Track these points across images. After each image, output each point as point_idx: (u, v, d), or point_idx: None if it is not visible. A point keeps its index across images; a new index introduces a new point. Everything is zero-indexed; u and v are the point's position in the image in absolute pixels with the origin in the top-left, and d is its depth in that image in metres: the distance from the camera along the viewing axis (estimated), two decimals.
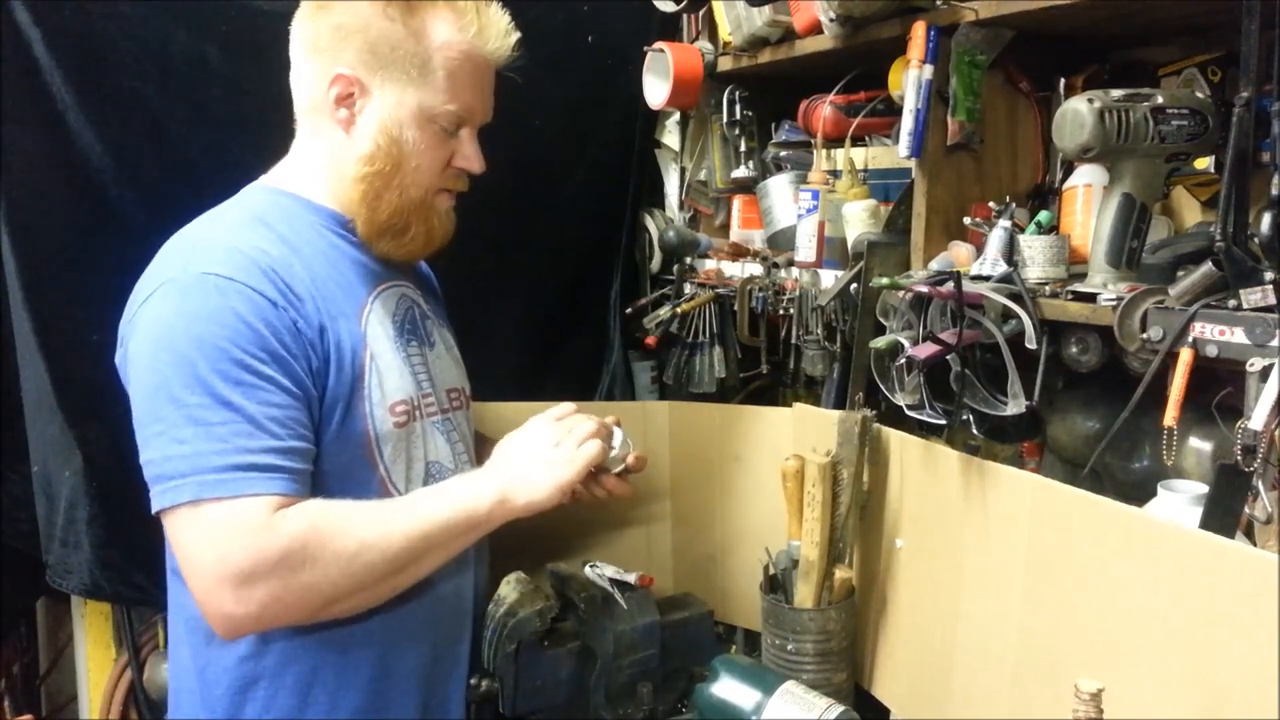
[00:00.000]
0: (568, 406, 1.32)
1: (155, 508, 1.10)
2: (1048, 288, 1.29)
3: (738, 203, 1.95)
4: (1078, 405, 1.41)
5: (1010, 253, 1.33)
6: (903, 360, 1.32)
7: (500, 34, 1.26)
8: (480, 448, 1.52)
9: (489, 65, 1.27)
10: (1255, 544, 1.05)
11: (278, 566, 1.07)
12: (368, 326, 1.23)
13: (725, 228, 2.01)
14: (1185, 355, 1.09)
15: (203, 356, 1.08)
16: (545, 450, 1.24)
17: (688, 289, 1.95)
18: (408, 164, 1.23)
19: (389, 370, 1.24)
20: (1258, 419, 1.01)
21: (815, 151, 1.73)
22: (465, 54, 1.23)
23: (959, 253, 1.41)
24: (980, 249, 1.38)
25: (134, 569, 1.66)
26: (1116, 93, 1.19)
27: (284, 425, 1.11)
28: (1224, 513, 1.04)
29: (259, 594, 1.07)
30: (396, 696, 1.27)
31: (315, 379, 1.16)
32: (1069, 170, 1.46)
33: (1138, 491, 1.24)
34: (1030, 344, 1.22)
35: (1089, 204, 1.37)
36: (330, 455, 1.18)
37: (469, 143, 1.29)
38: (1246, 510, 1.04)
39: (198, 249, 1.17)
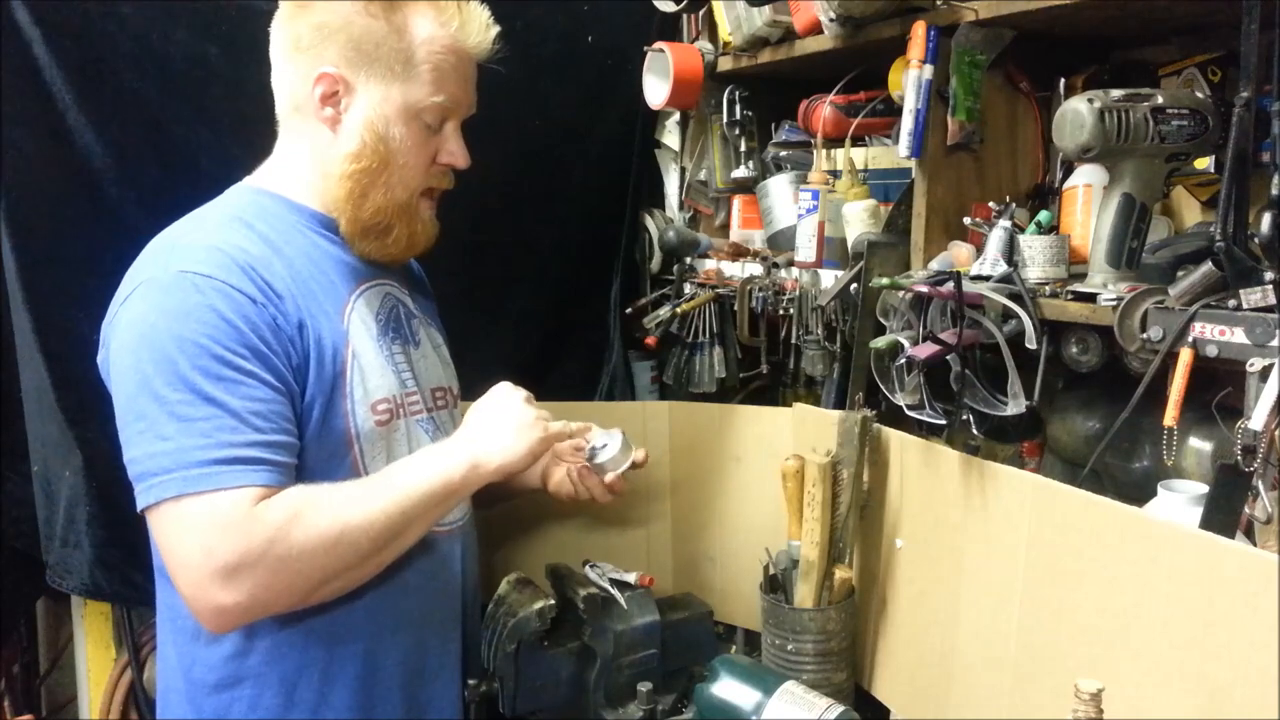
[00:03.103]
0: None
1: (140, 505, 1.10)
2: (1048, 288, 1.29)
3: (738, 203, 1.95)
4: (1078, 405, 1.41)
5: (1010, 253, 1.33)
6: (903, 360, 1.32)
7: (481, 28, 1.27)
8: None
9: (471, 59, 1.28)
10: (1255, 544, 1.05)
11: (263, 555, 1.07)
12: (350, 324, 1.24)
13: (725, 228, 2.01)
14: (1185, 355, 1.09)
15: (183, 354, 1.09)
16: (514, 414, 1.25)
17: (688, 289, 1.95)
18: (395, 161, 1.23)
19: (371, 368, 1.24)
20: (1258, 419, 1.01)
21: (815, 151, 1.73)
22: (448, 48, 1.24)
23: (959, 253, 1.41)
24: (980, 249, 1.38)
25: (134, 569, 1.66)
26: (1116, 93, 1.19)
27: (267, 419, 1.11)
28: (1224, 513, 1.04)
29: (247, 584, 1.07)
30: (382, 695, 1.27)
31: (296, 375, 1.17)
32: (1069, 170, 1.45)
33: (1138, 491, 1.24)
34: (1030, 344, 1.22)
35: (1089, 204, 1.37)
36: (310, 452, 1.18)
37: (454, 138, 1.29)
38: (1246, 510, 1.04)
39: (176, 248, 1.17)
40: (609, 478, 1.40)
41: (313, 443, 1.18)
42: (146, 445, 1.09)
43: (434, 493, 1.18)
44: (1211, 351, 1.07)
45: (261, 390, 1.12)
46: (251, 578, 1.07)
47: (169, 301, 1.11)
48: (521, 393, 1.29)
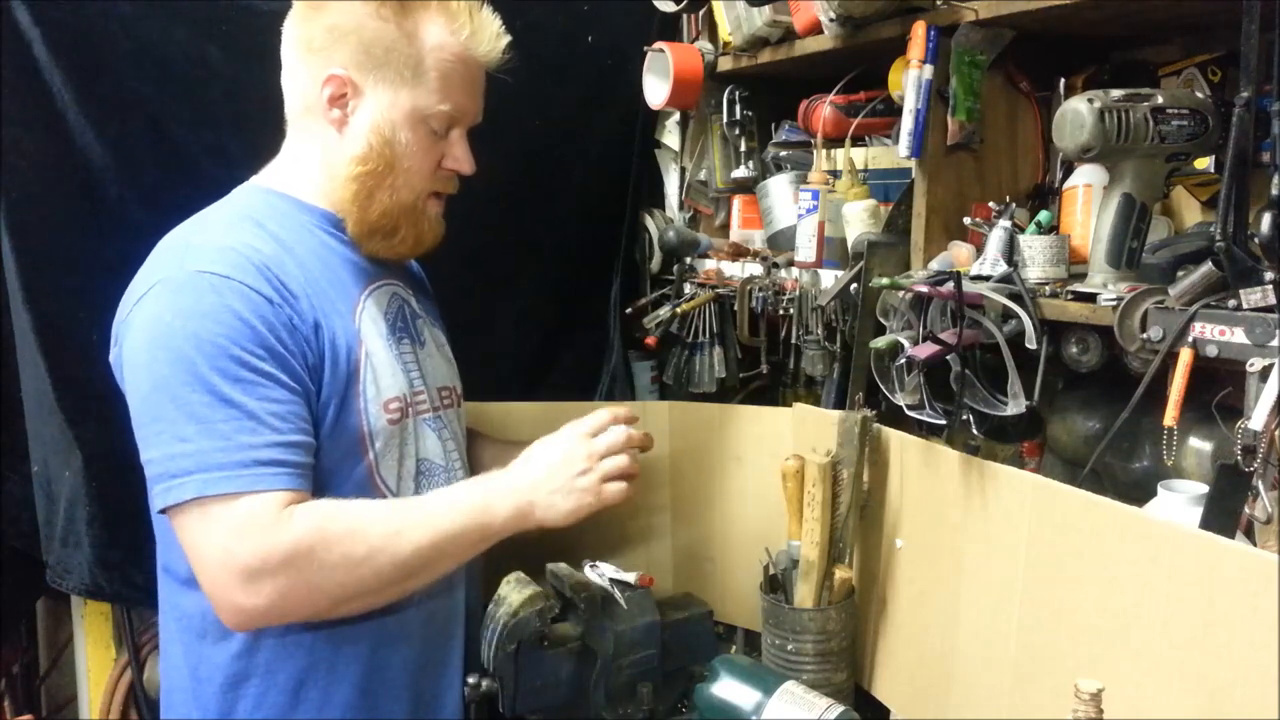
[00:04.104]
0: (602, 416, 1.30)
1: (159, 506, 1.11)
2: (1048, 288, 1.29)
3: (738, 203, 1.95)
4: (1078, 405, 1.41)
5: (1010, 253, 1.33)
6: (903, 360, 1.32)
7: (492, 37, 1.27)
8: (476, 447, 1.52)
9: (480, 68, 1.29)
10: (1255, 544, 1.05)
11: (284, 564, 1.08)
12: (361, 324, 1.24)
13: (725, 228, 2.01)
14: (1185, 355, 1.09)
15: (201, 354, 1.09)
16: (571, 474, 1.24)
17: (688, 289, 1.95)
18: (400, 165, 1.24)
19: (382, 367, 1.24)
20: (1258, 419, 1.01)
21: (815, 151, 1.73)
22: (458, 56, 1.24)
23: (959, 253, 1.41)
24: (980, 249, 1.38)
25: (134, 569, 1.66)
26: (1116, 93, 1.19)
27: (286, 420, 1.12)
28: (1224, 513, 1.04)
29: (266, 588, 1.08)
30: (387, 694, 1.27)
31: (312, 375, 1.17)
32: (1069, 170, 1.45)
33: (1138, 491, 1.24)
34: (1030, 344, 1.22)
35: (1089, 204, 1.37)
36: (323, 451, 1.19)
37: (459, 144, 1.30)
38: (1246, 510, 1.04)
39: (191, 248, 1.17)
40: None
41: (327, 442, 1.19)
42: (165, 446, 1.09)
43: (469, 531, 1.19)
44: (1211, 351, 1.07)
45: (279, 391, 1.12)
46: (271, 583, 1.08)
47: (185, 301, 1.11)
48: (584, 450, 1.25)
